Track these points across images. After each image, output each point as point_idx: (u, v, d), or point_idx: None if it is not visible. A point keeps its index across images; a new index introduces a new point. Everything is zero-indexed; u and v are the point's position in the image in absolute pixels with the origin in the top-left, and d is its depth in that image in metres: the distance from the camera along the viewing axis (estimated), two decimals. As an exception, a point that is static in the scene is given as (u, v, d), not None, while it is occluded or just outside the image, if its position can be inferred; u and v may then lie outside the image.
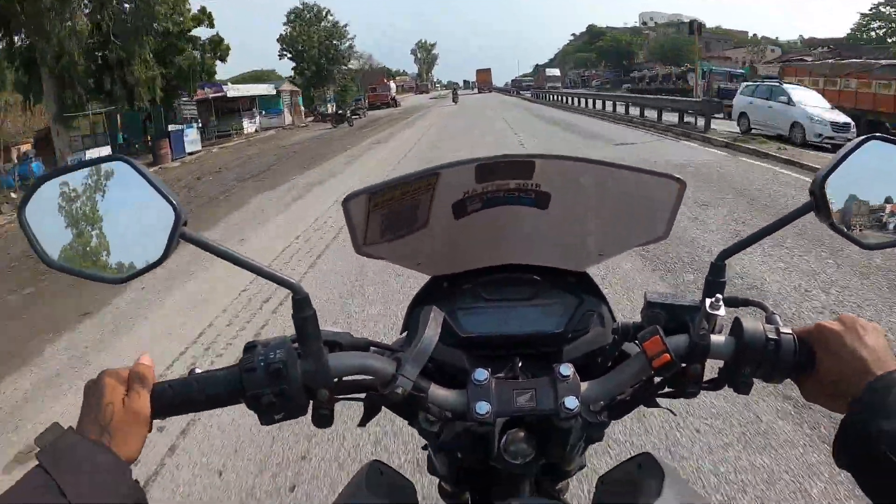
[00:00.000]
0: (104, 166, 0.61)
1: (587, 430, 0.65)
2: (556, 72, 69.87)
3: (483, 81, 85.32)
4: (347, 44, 46.83)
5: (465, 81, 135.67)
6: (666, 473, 0.69)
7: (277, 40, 43.09)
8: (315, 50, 42.18)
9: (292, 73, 43.82)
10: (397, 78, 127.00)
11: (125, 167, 0.60)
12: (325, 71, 43.29)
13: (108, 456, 0.54)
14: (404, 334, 0.77)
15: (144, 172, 0.60)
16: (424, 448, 0.80)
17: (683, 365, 0.64)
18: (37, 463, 0.52)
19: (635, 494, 0.68)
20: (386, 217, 0.68)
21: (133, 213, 0.61)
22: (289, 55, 43.19)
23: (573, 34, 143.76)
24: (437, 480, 0.81)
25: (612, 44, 79.16)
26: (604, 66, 72.88)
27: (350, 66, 49.50)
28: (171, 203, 0.58)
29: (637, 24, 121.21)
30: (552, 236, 0.75)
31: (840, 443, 0.57)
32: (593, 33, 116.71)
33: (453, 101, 46.31)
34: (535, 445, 0.65)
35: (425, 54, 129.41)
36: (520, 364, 0.69)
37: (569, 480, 0.79)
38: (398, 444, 2.59)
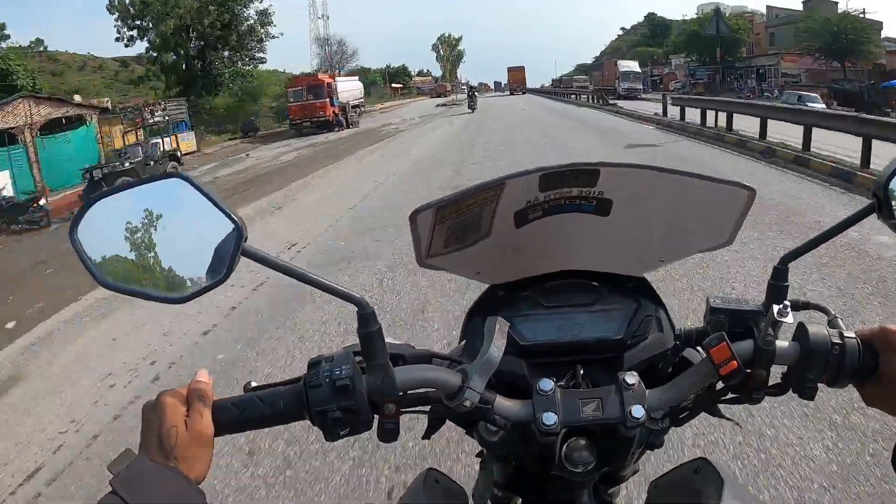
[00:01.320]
0: (159, 184, 0.60)
1: (648, 437, 0.66)
2: (633, 65, 46.56)
3: (516, 81, 72.33)
4: (254, 9, 25.95)
5: (496, 83, 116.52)
6: (725, 480, 0.68)
7: (107, 7, 22.51)
8: (174, 21, 21.44)
9: (147, 67, 23.46)
10: (416, 79, 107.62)
11: (182, 184, 0.59)
12: (204, 63, 22.57)
13: (180, 479, 0.54)
14: (462, 343, 0.76)
15: (204, 189, 0.59)
16: (478, 455, 0.83)
17: (748, 371, 0.64)
18: (110, 489, 0.52)
19: (693, 502, 0.67)
20: (450, 228, 0.68)
21: (191, 230, 0.60)
22: (143, 37, 22.73)
23: (623, 28, 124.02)
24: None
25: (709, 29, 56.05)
26: (691, 60, 50.25)
27: (260, 53, 28.62)
28: (232, 219, 0.58)
29: (697, 16, 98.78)
30: (612, 242, 0.75)
31: None
32: (654, 23, 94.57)
33: (469, 107, 31.48)
34: (597, 454, 0.65)
35: (449, 50, 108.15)
36: (581, 372, 0.70)
37: (620, 486, 0.80)
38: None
